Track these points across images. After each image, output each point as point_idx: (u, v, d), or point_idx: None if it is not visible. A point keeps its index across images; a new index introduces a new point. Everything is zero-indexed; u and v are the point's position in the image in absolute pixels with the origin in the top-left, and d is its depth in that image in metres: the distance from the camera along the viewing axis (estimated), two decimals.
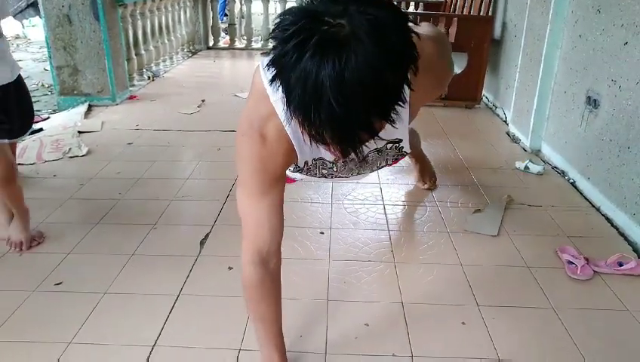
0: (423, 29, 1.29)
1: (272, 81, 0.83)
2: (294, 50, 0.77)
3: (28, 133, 1.97)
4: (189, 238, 1.96)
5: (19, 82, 1.84)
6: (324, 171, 1.46)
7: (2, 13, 1.85)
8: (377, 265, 1.82)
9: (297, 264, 1.80)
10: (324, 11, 0.78)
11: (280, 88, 0.84)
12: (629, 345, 1.46)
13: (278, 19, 0.82)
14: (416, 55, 0.81)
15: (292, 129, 1.09)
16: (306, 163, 1.32)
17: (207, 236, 1.98)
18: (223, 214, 2.15)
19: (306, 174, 1.50)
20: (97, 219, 2.09)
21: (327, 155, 1.28)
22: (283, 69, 0.79)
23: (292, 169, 1.49)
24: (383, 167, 1.56)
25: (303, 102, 0.78)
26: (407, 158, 2.45)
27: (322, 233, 2.01)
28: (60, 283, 1.69)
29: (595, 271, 1.76)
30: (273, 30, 0.82)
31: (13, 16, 8.00)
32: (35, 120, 3.31)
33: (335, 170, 1.42)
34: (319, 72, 0.75)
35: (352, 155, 0.91)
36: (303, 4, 0.82)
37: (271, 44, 0.83)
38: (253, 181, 1.16)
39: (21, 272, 1.75)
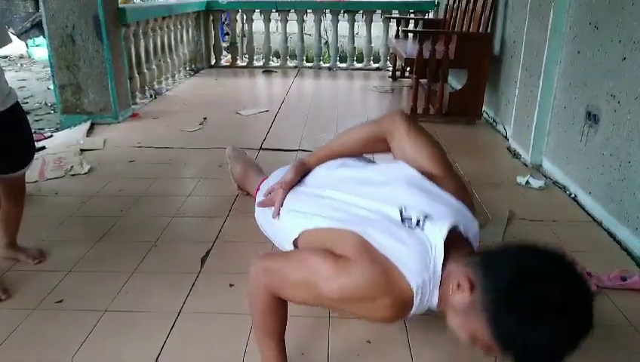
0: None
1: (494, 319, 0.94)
2: (531, 310, 0.90)
3: (23, 168, 1.78)
4: (189, 255, 1.96)
5: (12, 111, 1.66)
6: None
7: (3, 40, 1.82)
8: None
9: None
10: (548, 273, 0.93)
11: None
12: (633, 360, 1.45)
13: (500, 273, 0.96)
14: None
15: (416, 308, 1.11)
16: None
17: (208, 253, 1.98)
18: (224, 231, 2.15)
19: None
20: (99, 237, 2.09)
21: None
22: (513, 321, 0.92)
23: None
24: None
25: (531, 350, 0.91)
26: None
27: None
28: (61, 300, 1.69)
29: (597, 286, 1.75)
30: (495, 281, 0.96)
31: (18, 36, 8.12)
32: (38, 138, 3.35)
33: None
34: (558, 332, 0.90)
35: None
36: (525, 261, 0.97)
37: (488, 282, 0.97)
38: (333, 307, 1.22)
39: (22, 290, 1.74)
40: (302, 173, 1.46)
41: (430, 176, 1.27)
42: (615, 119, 2.15)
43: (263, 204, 1.50)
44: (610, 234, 2.13)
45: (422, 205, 1.18)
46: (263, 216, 1.57)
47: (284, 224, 1.41)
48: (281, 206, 1.41)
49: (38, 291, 1.73)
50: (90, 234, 2.11)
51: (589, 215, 2.31)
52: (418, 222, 1.15)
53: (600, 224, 2.22)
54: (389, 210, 1.19)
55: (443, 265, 1.09)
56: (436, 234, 1.11)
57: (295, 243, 1.34)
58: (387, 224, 1.17)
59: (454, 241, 1.12)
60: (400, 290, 1.08)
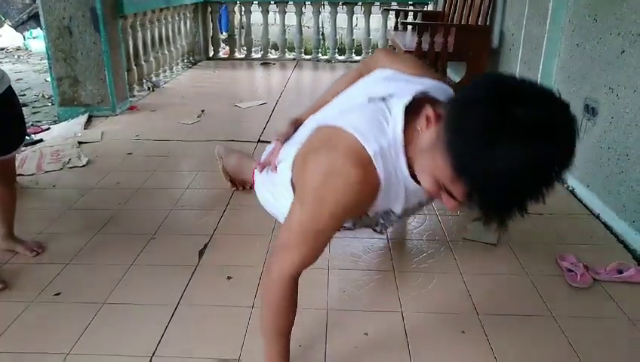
0: None
1: (450, 145, 0.85)
2: (487, 123, 0.80)
3: (15, 150, 1.80)
4: (187, 248, 1.96)
5: (5, 96, 1.67)
6: (382, 221, 1.44)
7: None
8: (377, 274, 1.82)
9: None
10: (519, 93, 0.82)
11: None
12: (629, 352, 1.45)
13: (467, 91, 0.87)
14: None
15: (386, 179, 1.09)
16: (376, 213, 1.29)
17: (205, 246, 1.98)
18: (222, 224, 2.15)
19: (356, 228, 1.47)
20: (96, 230, 2.09)
21: (398, 208, 1.24)
22: (466, 136, 0.82)
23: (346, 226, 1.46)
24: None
25: (482, 177, 0.81)
26: None
27: None
28: (59, 293, 1.69)
29: (594, 279, 1.75)
30: (461, 92, 0.87)
31: (15, 28, 8.07)
32: (35, 130, 3.34)
33: (393, 221, 1.41)
34: (516, 155, 0.78)
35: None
36: (497, 81, 0.87)
37: (454, 108, 0.88)
38: (332, 222, 1.11)
39: (20, 282, 1.74)
40: (295, 126, 1.47)
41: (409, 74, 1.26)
42: (613, 112, 2.15)
43: (262, 164, 1.50)
44: (608, 227, 2.13)
45: (393, 89, 1.15)
46: (263, 187, 1.56)
47: (279, 174, 1.39)
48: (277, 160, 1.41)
49: (36, 283, 1.73)
50: (88, 227, 2.11)
51: (587, 208, 2.31)
52: (383, 98, 1.11)
53: (597, 217, 2.22)
54: (359, 101, 1.18)
55: (411, 128, 1.03)
56: (399, 102, 1.06)
57: (293, 185, 1.31)
58: (349, 107, 1.17)
59: (425, 105, 1.02)
60: (356, 152, 1.04)
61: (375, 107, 1.10)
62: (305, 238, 1.13)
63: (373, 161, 1.05)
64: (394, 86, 1.17)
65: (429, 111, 0.95)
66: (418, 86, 1.13)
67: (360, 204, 1.12)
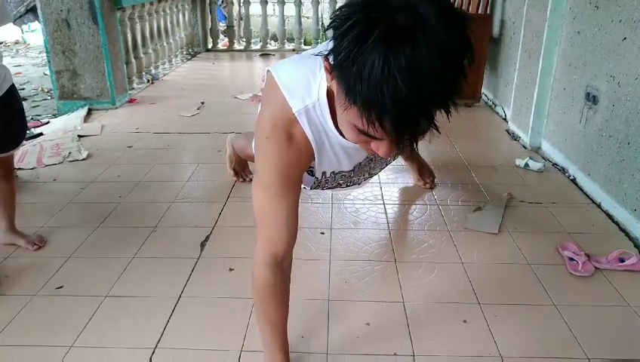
0: None
1: (335, 70, 0.82)
2: (358, 39, 0.75)
3: (17, 148, 1.83)
4: (189, 240, 1.96)
5: (8, 95, 1.69)
6: (341, 181, 1.44)
7: (3, 18, 1.84)
8: (378, 264, 1.82)
9: (298, 264, 1.78)
10: (386, 1, 0.77)
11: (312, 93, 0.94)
12: (631, 340, 1.46)
13: (337, 11, 0.81)
14: (472, 43, 0.79)
15: (315, 139, 1.10)
16: (324, 174, 1.30)
17: (207, 238, 1.98)
18: (223, 216, 2.15)
19: (323, 188, 1.49)
20: (98, 223, 2.09)
21: (346, 166, 1.24)
22: (345, 60, 0.77)
23: (309, 188, 1.48)
24: (385, 167, 1.57)
25: (369, 93, 0.75)
26: (402, 160, 2.46)
27: (323, 233, 2.01)
28: (61, 286, 1.69)
29: (596, 268, 1.75)
30: (331, 21, 0.81)
31: (13, 22, 8.05)
32: (35, 124, 3.33)
33: (352, 175, 1.40)
34: (388, 60, 0.72)
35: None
36: None
37: (330, 35, 0.83)
38: (277, 183, 1.14)
39: (22, 276, 1.75)
40: None
41: None
42: (615, 100, 2.14)
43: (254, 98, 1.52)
44: (609, 216, 2.13)
45: None
46: None
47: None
48: None
49: (38, 277, 1.74)
50: (89, 220, 2.11)
51: (588, 197, 2.31)
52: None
53: (599, 206, 2.22)
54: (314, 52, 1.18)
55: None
56: None
57: None
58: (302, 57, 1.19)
59: None
60: (282, 112, 1.08)
61: (313, 62, 1.10)
62: (263, 214, 1.16)
63: (299, 121, 1.08)
64: None
65: (324, 61, 0.88)
66: None
67: (297, 162, 1.15)
